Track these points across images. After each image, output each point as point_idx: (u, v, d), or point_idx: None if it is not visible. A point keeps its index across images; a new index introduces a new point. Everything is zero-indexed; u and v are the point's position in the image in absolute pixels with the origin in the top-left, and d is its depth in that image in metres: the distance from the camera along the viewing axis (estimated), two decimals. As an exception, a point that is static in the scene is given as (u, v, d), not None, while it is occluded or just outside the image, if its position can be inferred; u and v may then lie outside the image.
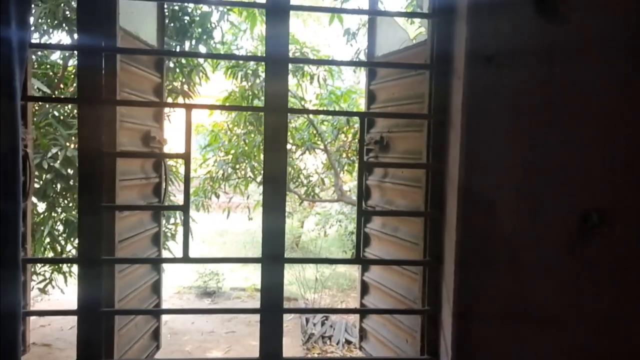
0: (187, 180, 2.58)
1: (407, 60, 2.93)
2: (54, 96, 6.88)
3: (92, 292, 2.51)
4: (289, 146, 9.20)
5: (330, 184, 9.89)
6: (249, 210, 9.79)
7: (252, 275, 11.07)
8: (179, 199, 8.39)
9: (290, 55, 8.47)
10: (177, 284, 10.48)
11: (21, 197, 2.21)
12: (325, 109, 8.86)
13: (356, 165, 9.35)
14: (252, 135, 8.75)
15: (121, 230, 2.76)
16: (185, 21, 7.38)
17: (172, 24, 7.37)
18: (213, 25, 7.52)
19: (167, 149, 7.22)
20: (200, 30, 7.44)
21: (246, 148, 8.62)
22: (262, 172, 8.74)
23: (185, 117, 2.51)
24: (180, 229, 7.86)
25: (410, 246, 2.89)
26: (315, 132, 8.93)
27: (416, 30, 7.51)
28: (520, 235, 2.41)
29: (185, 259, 2.57)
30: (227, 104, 8.63)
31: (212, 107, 3.06)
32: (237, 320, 8.87)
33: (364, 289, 3.36)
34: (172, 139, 7.69)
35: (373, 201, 3.30)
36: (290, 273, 10.77)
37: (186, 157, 2.55)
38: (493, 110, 2.36)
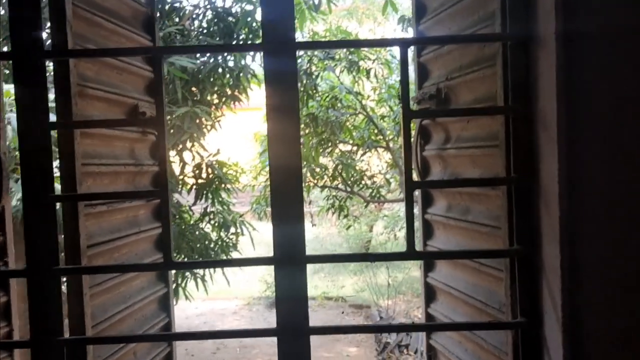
0: (163, 153, 1.74)
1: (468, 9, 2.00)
2: None
3: (46, 315, 1.72)
4: (348, 146, 8.31)
5: (397, 183, 8.89)
6: (311, 217, 8.94)
7: (322, 283, 10.20)
8: (237, 210, 7.67)
9: (344, 50, 7.61)
10: (247, 294, 9.79)
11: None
12: (384, 102, 7.91)
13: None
14: (310, 138, 7.92)
15: (93, 231, 1.97)
16: (230, 21, 6.68)
17: (216, 27, 6.70)
18: (257, 24, 6.77)
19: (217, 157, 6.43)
20: (247, 30, 6.72)
21: (304, 151, 7.79)
22: (317, 174, 7.89)
23: (153, 64, 1.70)
24: (242, 239, 7.12)
25: (489, 232, 1.92)
26: (375, 129, 7.99)
27: None
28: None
29: (167, 264, 1.73)
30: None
31: (186, 51, 2.21)
32: (307, 331, 8.02)
33: (430, 294, 2.39)
34: (222, 146, 7.02)
35: (434, 176, 2.34)
36: (362, 279, 9.83)
37: (160, 124, 1.72)
38: None
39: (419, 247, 2.37)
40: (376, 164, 9.17)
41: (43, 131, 1.70)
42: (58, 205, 1.85)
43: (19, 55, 1.70)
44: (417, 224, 2.37)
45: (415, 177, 2.23)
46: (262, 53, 1.75)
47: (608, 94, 1.53)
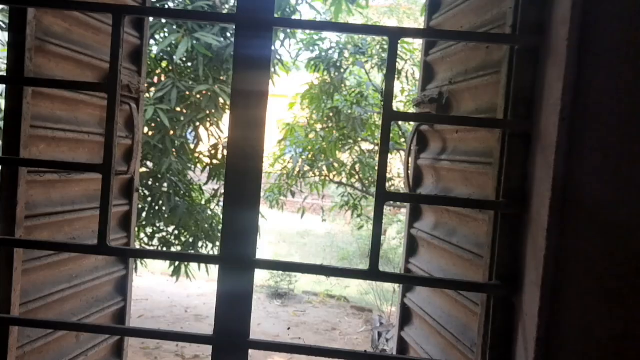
0: (111, 125, 1.53)
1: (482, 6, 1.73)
2: None
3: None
4: (370, 145, 8.03)
5: (415, 189, 8.57)
6: (323, 212, 8.69)
7: (326, 279, 9.97)
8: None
9: (376, 46, 7.33)
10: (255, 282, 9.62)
11: None
12: (412, 105, 7.60)
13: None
14: (331, 132, 7.67)
15: (38, 201, 1.78)
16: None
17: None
18: (291, 10, 6.54)
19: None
20: (279, 14, 6.49)
21: (324, 145, 7.55)
22: (333, 168, 7.64)
23: (112, 24, 1.48)
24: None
25: (472, 260, 1.67)
26: (399, 130, 7.69)
27: None
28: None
29: (100, 248, 1.52)
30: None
31: (153, 13, 2.02)
32: (304, 326, 7.83)
33: (405, 316, 2.14)
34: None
35: (425, 189, 2.08)
36: (367, 282, 9.56)
37: (112, 90, 1.51)
38: None
39: (401, 263, 2.12)
40: (397, 166, 8.87)
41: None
42: (-2, 167, 1.66)
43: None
44: (402, 238, 2.13)
45: (402, 186, 1.97)
46: (234, 28, 1.52)
47: (617, 119, 1.25)
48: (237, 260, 1.51)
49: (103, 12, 1.86)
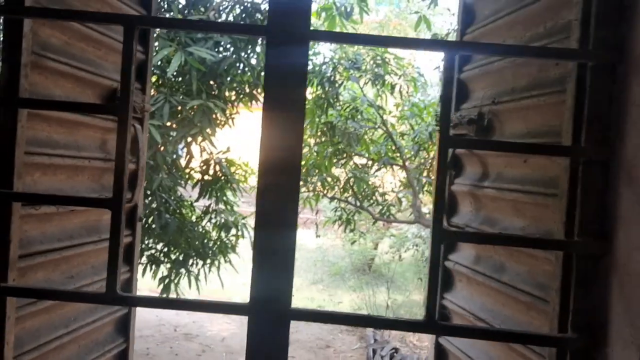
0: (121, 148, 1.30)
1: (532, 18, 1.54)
2: None
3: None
4: (363, 160, 7.85)
5: (408, 204, 8.41)
6: (317, 227, 8.46)
7: (319, 296, 9.71)
8: (244, 210, 7.24)
9: (370, 62, 7.19)
10: (244, 297, 9.32)
11: None
12: (406, 120, 7.46)
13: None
14: (325, 147, 7.48)
15: (34, 237, 1.54)
16: (258, 19, 6.25)
17: (242, 22, 6.27)
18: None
19: (228, 156, 6.01)
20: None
21: (318, 159, 7.35)
22: (327, 183, 7.44)
23: (124, 37, 1.26)
24: (242, 241, 6.68)
25: (529, 302, 1.46)
26: (393, 146, 7.52)
27: None
28: None
29: (113, 296, 1.28)
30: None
31: (173, 25, 1.82)
32: (297, 344, 7.56)
33: (441, 358, 1.92)
34: (234, 145, 6.60)
35: (461, 218, 1.88)
36: (360, 297, 9.34)
37: (123, 111, 1.29)
38: None
39: (427, 296, 1.90)
40: (389, 181, 8.68)
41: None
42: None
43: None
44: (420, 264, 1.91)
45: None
46: (264, 40, 1.31)
47: None
48: (270, 310, 1.28)
49: (113, 24, 1.63)
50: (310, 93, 7.41)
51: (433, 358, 1.93)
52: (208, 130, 5.80)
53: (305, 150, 7.69)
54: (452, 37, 8.00)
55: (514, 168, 1.59)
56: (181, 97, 5.73)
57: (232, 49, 5.94)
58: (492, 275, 1.64)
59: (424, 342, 8.79)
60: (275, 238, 1.31)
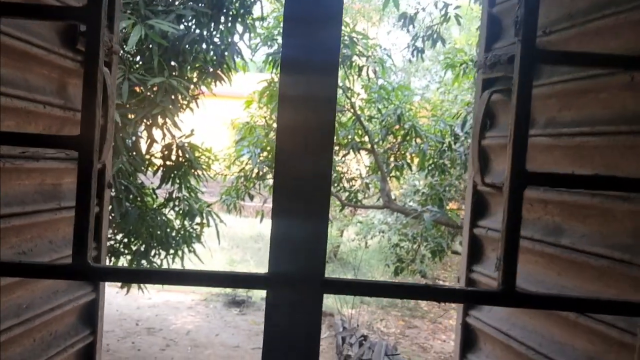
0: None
1: None
2: None
3: None
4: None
5: (376, 190, 8.17)
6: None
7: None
8: (206, 199, 6.81)
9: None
10: (206, 289, 8.88)
11: None
12: (373, 103, 7.19)
13: (405, 170, 7.61)
14: (292, 131, 7.12)
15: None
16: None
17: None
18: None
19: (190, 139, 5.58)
20: (238, 4, 5.89)
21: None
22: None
23: None
24: (207, 230, 6.27)
25: (603, 267, 1.19)
26: (361, 129, 7.25)
27: None
28: None
29: (83, 267, 0.92)
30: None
31: None
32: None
33: (468, 338, 1.64)
34: (196, 130, 6.15)
35: (496, 176, 1.59)
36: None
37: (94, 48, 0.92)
38: None
39: (462, 271, 1.61)
40: (355, 167, 8.42)
41: None
42: None
43: None
44: (461, 238, 1.62)
45: (473, 176, 1.46)
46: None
47: None
48: (299, 281, 0.95)
49: None
50: (275, 74, 7.04)
51: (460, 341, 1.64)
52: (171, 108, 5.35)
53: (272, 135, 7.32)
54: (421, 18, 7.79)
55: (573, 109, 1.31)
56: (141, 74, 5.27)
57: (195, 23, 5.50)
58: (544, 239, 1.35)
59: (391, 328, 8.61)
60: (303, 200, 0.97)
